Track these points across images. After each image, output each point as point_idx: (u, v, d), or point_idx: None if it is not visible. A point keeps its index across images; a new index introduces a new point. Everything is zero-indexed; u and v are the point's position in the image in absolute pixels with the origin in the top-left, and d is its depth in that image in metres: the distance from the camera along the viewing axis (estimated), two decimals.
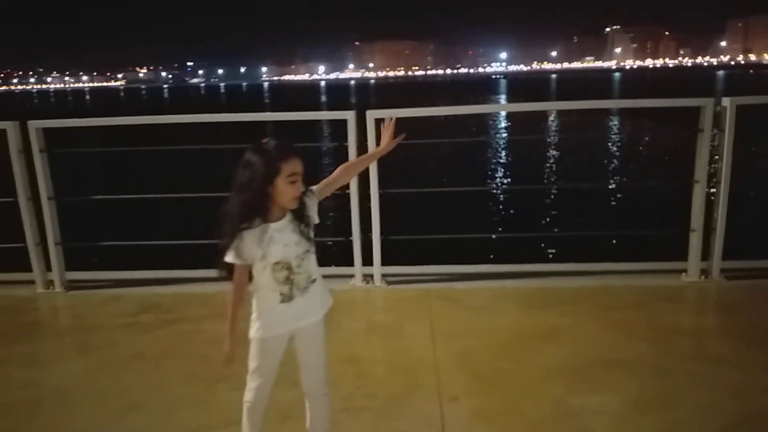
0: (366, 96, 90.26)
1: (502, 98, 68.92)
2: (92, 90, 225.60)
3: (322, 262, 2.32)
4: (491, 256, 4.67)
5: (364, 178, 4.33)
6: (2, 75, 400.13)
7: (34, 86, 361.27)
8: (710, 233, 4.35)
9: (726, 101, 4.13)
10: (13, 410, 2.96)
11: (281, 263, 2.12)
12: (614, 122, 29.13)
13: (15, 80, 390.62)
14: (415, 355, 3.38)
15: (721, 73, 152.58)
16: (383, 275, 4.51)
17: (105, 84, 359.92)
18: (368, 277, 4.52)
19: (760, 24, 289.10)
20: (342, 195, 4.57)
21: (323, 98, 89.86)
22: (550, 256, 4.62)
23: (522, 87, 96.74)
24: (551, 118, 29.27)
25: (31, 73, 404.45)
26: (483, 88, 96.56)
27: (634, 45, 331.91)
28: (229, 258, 2.12)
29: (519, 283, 4.42)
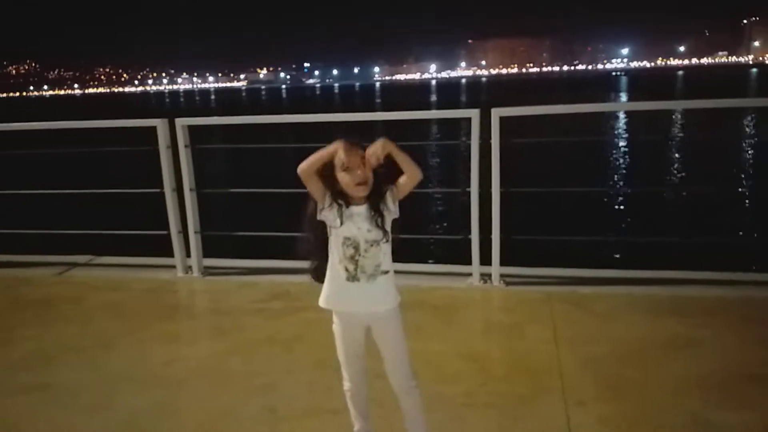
0: (476, 94, 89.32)
1: (623, 96, 65.49)
2: (217, 90, 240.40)
3: (439, 258, 2.36)
4: (616, 261, 4.46)
5: (485, 176, 4.32)
6: (139, 76, 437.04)
7: (166, 87, 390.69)
8: None
9: None
10: (160, 383, 3.24)
11: (351, 240, 2.23)
12: (749, 122, 26.82)
13: (150, 81, 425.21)
14: (538, 358, 3.33)
15: None
16: (501, 275, 4.46)
17: (228, 84, 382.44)
18: (486, 277, 4.50)
19: None
20: (462, 192, 4.59)
21: (433, 97, 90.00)
22: (681, 262, 4.34)
23: (644, 84, 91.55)
24: (676, 117, 27.45)
25: (164, 74, 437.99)
26: (601, 85, 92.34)
27: None
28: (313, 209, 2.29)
29: (648, 290, 4.22)
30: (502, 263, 4.46)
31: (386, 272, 2.29)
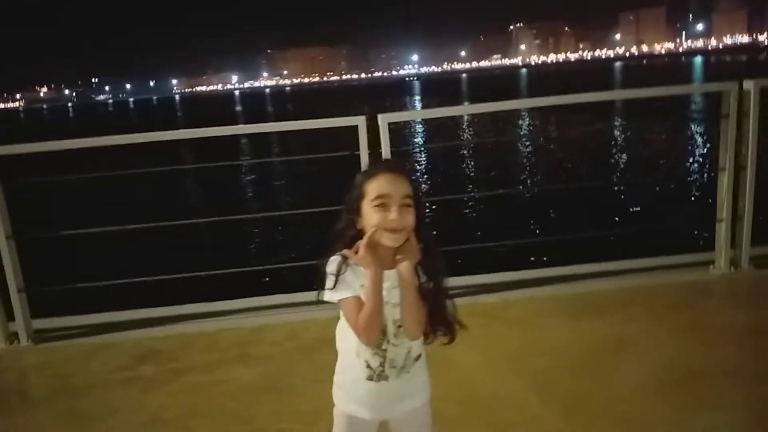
0: (283, 104, 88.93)
1: (417, 100, 69.67)
2: None
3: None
4: (509, 263, 4.35)
5: None
6: None
7: None
8: (736, 222, 4.22)
9: (749, 84, 3.99)
10: None
11: None
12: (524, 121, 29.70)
13: None
14: (481, 387, 2.99)
15: (618, 64, 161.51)
16: None
17: (2, 105, 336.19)
18: None
19: (649, 16, 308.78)
20: None
21: (238, 108, 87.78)
22: (573, 257, 4.34)
23: (435, 87, 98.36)
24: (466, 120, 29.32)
25: None
26: (399, 90, 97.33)
27: (537, 41, 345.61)
28: (329, 295, 1.64)
29: (550, 290, 4.11)
30: None
31: (419, 357, 1.74)
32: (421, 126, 28.08)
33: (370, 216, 1.59)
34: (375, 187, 1.59)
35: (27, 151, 3.88)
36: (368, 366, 1.67)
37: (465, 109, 5.14)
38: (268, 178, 18.55)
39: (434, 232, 1.78)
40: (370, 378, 1.68)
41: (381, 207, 1.57)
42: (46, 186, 4.85)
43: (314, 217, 3.66)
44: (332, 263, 1.63)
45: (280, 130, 4.16)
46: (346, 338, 1.68)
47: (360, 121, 3.83)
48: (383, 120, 3.88)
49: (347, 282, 1.61)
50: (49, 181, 4.28)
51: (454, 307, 1.73)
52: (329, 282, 1.62)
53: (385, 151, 3.88)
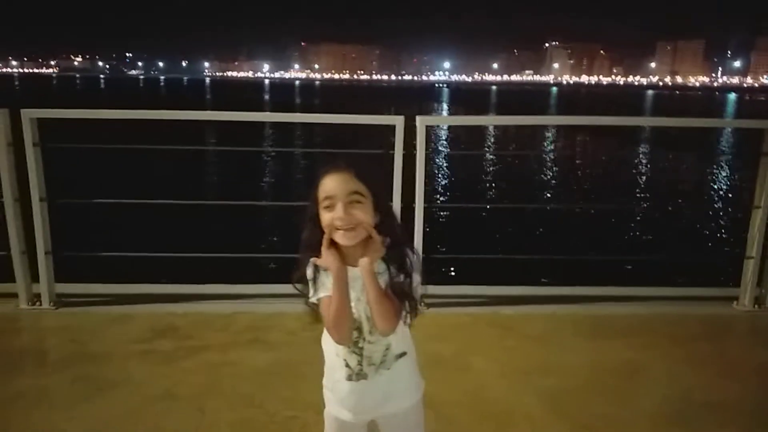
0: (310, 97, 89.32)
1: (444, 107, 69.72)
2: (21, 77, 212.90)
3: None
4: (532, 278, 4.33)
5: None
6: None
7: None
8: (765, 261, 4.17)
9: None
10: None
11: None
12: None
13: None
14: (495, 398, 2.97)
15: (650, 92, 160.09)
16: None
17: (36, 71, 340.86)
18: None
19: (687, 48, 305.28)
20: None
21: (266, 97, 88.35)
22: (595, 279, 4.32)
23: (464, 96, 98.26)
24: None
25: None
26: (427, 95, 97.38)
27: (571, 61, 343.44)
28: (313, 300, 1.65)
29: (570, 309, 4.08)
30: None
31: (402, 355, 1.71)
32: (445, 132, 28.08)
33: (323, 218, 1.59)
34: (322, 189, 1.59)
35: (66, 116, 3.91)
36: (347, 365, 1.68)
37: (505, 120, 5.13)
38: (294, 168, 18.50)
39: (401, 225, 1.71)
40: (349, 378, 1.68)
41: (329, 208, 1.57)
42: (82, 152, 4.90)
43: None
44: (307, 271, 1.65)
45: (316, 122, 4.15)
46: (328, 339, 1.69)
47: (398, 121, 3.82)
48: (421, 122, 3.88)
49: (322, 282, 1.63)
50: (88, 148, 4.32)
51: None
52: (310, 288, 1.65)
53: (420, 153, 3.88)
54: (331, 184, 1.57)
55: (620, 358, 3.39)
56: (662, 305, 4.20)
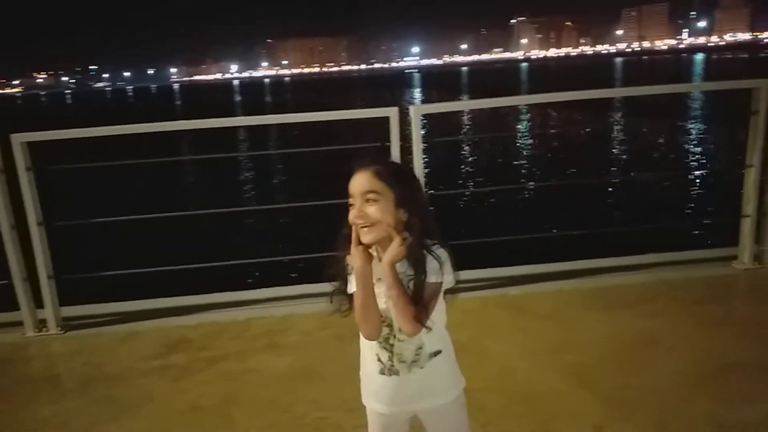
0: (282, 94, 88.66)
1: (417, 92, 69.57)
2: None
3: None
4: (535, 255, 4.35)
5: None
6: None
7: None
8: (761, 218, 4.23)
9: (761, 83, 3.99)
10: None
11: (381, 316, 1.64)
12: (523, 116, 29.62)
13: None
14: (522, 379, 3.00)
15: (618, 60, 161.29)
16: None
17: (0, 91, 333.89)
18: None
19: (652, 12, 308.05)
20: None
21: (237, 98, 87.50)
22: (588, 253, 4.36)
23: (435, 80, 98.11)
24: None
25: None
26: (399, 82, 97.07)
27: (539, 35, 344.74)
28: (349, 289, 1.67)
29: (576, 284, 4.12)
30: None
31: (437, 353, 1.70)
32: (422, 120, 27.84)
33: (349, 216, 1.61)
34: (349, 187, 1.61)
35: (56, 138, 3.84)
36: (379, 359, 1.68)
37: (502, 101, 5.15)
38: (290, 170, 18.25)
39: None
40: (381, 372, 1.68)
41: (353, 206, 1.59)
42: (72, 173, 4.82)
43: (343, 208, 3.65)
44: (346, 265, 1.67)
45: (311, 120, 4.12)
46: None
47: (392, 113, 3.81)
48: (416, 111, 3.87)
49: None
50: (79, 168, 4.25)
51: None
52: (348, 282, 1.67)
53: (416, 142, 3.88)
54: (352, 183, 1.60)
55: (634, 328, 3.44)
56: (666, 271, 4.26)
